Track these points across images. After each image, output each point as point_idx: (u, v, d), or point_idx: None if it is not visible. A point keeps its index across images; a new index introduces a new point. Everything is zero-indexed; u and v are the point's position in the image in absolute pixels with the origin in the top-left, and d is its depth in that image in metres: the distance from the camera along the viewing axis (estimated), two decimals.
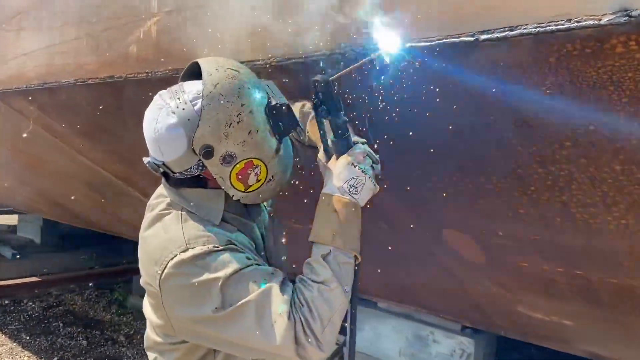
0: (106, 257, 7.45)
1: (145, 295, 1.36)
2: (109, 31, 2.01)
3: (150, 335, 1.35)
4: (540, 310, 2.44)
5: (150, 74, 1.88)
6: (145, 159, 1.29)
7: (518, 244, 1.92)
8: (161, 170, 1.26)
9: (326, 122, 1.25)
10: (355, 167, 1.21)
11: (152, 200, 1.35)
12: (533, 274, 2.12)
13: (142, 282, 1.31)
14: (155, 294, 1.22)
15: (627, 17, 0.96)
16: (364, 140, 1.29)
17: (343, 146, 1.25)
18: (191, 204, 1.26)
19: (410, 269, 2.56)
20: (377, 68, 1.23)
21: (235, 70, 1.21)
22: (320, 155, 1.34)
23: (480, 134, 1.43)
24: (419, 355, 3.78)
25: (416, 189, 1.82)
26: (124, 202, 3.92)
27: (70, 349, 4.77)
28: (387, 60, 1.18)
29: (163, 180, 1.33)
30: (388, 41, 1.17)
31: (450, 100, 1.35)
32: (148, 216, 1.32)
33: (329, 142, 1.28)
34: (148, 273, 1.24)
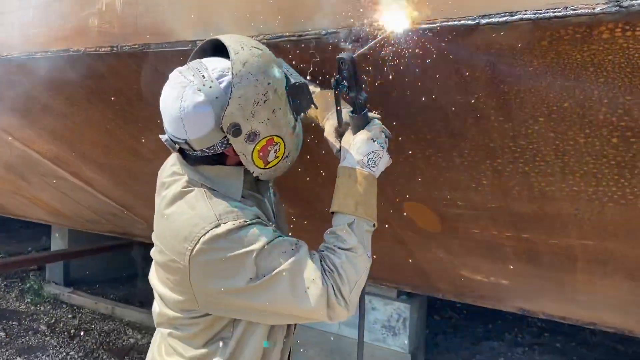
0: (9, 245, 6.97)
1: (157, 273, 1.35)
2: (62, 2, 1.88)
3: (164, 311, 1.35)
4: (482, 272, 2.66)
5: (116, 48, 1.79)
6: (163, 137, 1.26)
7: (475, 213, 2.09)
8: (177, 147, 1.24)
9: (343, 98, 1.30)
10: (374, 141, 1.28)
11: (166, 178, 1.33)
12: (482, 239, 2.31)
13: (160, 258, 1.30)
14: (181, 269, 1.22)
15: (617, 7, 1.09)
16: (378, 115, 1.36)
17: (362, 121, 1.31)
18: (211, 181, 1.26)
19: None
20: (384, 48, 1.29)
21: (258, 49, 1.22)
22: (329, 131, 1.38)
23: (462, 111, 1.54)
24: (358, 323, 3.95)
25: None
26: (47, 185, 3.69)
27: None
28: (395, 40, 1.25)
29: (179, 157, 1.30)
30: (396, 22, 1.24)
31: (441, 79, 1.44)
32: (166, 194, 1.30)
33: (347, 117, 1.33)
34: (174, 250, 1.23)
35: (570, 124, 1.45)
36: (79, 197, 3.85)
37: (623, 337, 4.16)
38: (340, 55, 1.22)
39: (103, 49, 1.83)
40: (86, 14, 1.84)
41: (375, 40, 1.24)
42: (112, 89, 2.08)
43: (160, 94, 1.80)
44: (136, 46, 1.76)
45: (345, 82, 1.24)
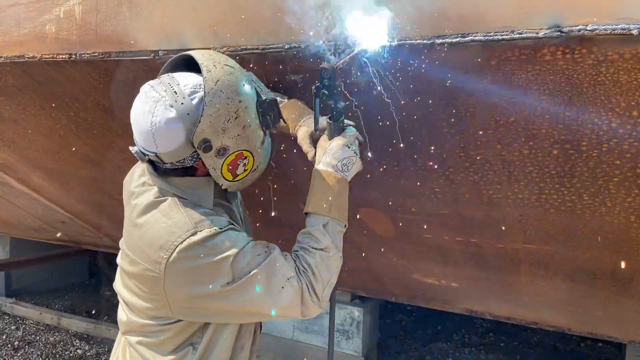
0: None
1: (124, 281, 1.36)
2: (18, 7, 1.85)
3: (133, 319, 1.36)
4: (433, 275, 2.78)
5: (75, 56, 1.78)
6: (133, 149, 1.27)
7: (427, 218, 2.19)
8: (147, 159, 1.26)
9: (319, 105, 1.35)
10: (349, 148, 1.35)
11: (135, 188, 1.34)
12: (434, 244, 2.42)
13: (131, 268, 1.31)
14: (155, 278, 1.24)
15: (558, 32, 1.20)
16: (353, 123, 1.42)
17: (338, 128, 1.37)
18: (183, 191, 1.28)
19: None
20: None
21: (231, 67, 1.26)
22: (303, 136, 1.43)
23: (417, 123, 1.62)
24: (313, 328, 4.02)
25: None
26: None
27: None
28: (364, 56, 1.32)
29: (149, 168, 1.32)
30: (366, 40, 1.30)
31: (397, 92, 1.52)
32: (137, 203, 1.31)
33: (324, 124, 1.38)
34: (149, 258, 1.25)
35: (515, 137, 1.56)
36: (24, 205, 3.73)
37: (562, 335, 4.40)
38: (322, 65, 1.28)
39: (61, 56, 1.81)
40: (43, 20, 1.82)
41: (352, 54, 1.30)
42: (67, 95, 2.06)
43: (119, 102, 1.81)
44: (96, 54, 1.75)
45: (325, 90, 1.30)
